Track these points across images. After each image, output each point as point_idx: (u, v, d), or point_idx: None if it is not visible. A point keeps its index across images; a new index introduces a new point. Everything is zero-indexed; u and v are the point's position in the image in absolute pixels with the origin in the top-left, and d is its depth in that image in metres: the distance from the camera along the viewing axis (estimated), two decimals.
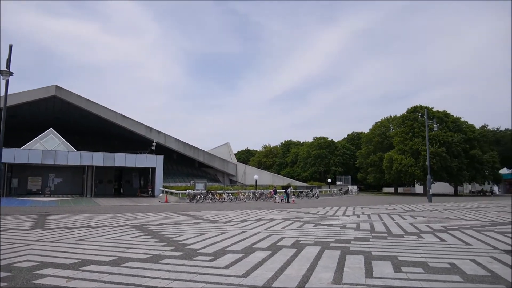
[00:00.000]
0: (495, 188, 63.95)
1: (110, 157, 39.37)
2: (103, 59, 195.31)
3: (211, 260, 7.34)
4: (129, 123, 48.71)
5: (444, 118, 57.40)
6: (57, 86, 43.70)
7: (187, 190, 33.96)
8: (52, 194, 38.98)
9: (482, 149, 58.39)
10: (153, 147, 44.38)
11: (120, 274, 6.16)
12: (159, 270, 6.46)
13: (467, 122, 59.87)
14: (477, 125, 68.05)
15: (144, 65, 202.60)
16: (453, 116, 59.06)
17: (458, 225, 13.90)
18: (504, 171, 65.41)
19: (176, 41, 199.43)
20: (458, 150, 52.67)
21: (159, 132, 51.18)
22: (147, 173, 44.03)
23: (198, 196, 31.98)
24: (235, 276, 6.02)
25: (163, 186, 40.46)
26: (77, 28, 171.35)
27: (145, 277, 5.97)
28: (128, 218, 16.50)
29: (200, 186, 35.76)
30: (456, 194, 60.16)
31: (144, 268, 6.57)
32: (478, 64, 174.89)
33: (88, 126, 53.96)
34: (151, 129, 50.50)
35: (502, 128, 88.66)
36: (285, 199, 33.17)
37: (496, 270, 6.55)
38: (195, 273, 6.25)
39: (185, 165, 59.26)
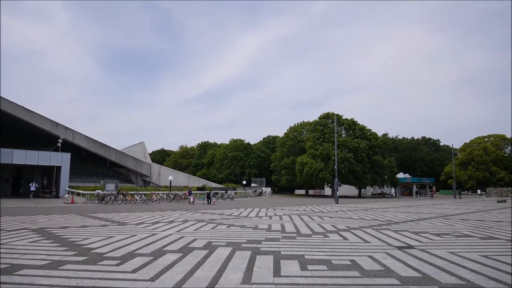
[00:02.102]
0: (393, 191, 70.47)
1: (8, 153, 35.62)
2: (2, 44, 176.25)
3: (117, 264, 7.00)
4: (32, 117, 44.47)
5: (352, 126, 61.74)
6: None
7: (96, 191, 32.04)
8: None
9: (383, 155, 63.98)
10: (59, 144, 41.10)
11: (12, 283, 5.60)
12: (58, 277, 5.99)
13: (371, 130, 65.09)
14: (379, 133, 74.42)
15: (51, 54, 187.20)
16: (359, 124, 63.79)
17: (359, 224, 15.02)
18: (400, 175, 72.43)
19: (90, 31, 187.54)
20: (363, 156, 56.99)
21: (66, 128, 47.54)
22: (51, 172, 40.63)
23: (108, 197, 30.35)
24: (142, 280, 5.82)
25: (70, 186, 37.75)
26: None
27: (41, 285, 5.50)
28: (26, 221, 15.07)
29: (110, 187, 33.98)
30: (360, 196, 64.98)
31: (41, 276, 6.05)
32: (383, 76, 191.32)
33: None
34: (57, 124, 46.67)
35: (400, 137, 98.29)
36: (202, 200, 33.20)
37: (389, 264, 7.20)
38: (99, 278, 5.92)
39: (95, 164, 55.83)
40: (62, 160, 38.92)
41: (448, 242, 10.33)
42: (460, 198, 55.90)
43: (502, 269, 6.85)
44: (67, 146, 44.89)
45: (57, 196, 37.33)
